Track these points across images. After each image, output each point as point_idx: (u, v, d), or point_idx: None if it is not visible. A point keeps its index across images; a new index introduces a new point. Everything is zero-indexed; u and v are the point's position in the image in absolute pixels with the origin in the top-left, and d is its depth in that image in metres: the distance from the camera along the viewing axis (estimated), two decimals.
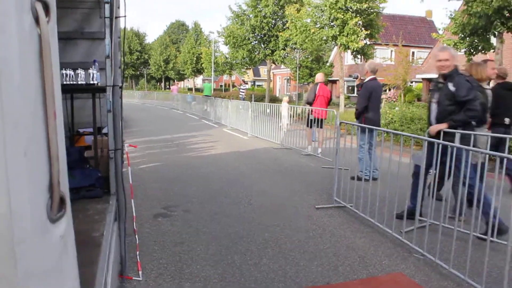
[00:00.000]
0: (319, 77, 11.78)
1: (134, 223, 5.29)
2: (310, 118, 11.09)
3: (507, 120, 7.11)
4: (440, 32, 19.05)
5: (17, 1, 0.75)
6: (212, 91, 35.78)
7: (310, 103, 11.26)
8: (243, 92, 26.20)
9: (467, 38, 15.50)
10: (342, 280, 4.04)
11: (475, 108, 5.13)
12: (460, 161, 4.33)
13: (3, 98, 0.72)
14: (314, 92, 11.31)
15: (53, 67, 0.87)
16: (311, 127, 11.29)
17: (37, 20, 0.83)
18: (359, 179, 6.70)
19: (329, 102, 11.50)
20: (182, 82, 77.68)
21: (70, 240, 0.98)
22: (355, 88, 11.21)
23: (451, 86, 5.21)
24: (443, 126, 5.21)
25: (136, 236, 4.87)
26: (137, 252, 4.43)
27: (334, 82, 40.14)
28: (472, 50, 15.84)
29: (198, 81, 73.38)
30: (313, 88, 11.70)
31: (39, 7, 0.83)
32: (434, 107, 5.46)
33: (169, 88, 68.25)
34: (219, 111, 20.86)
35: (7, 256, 0.75)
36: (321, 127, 11.16)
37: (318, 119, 11.01)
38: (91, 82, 4.20)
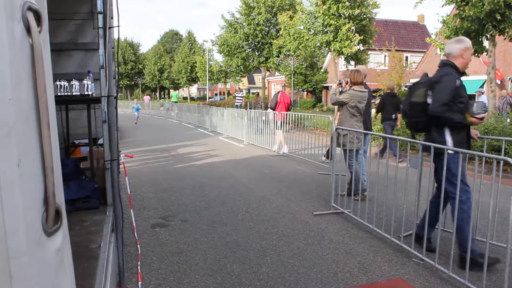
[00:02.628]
0: (278, 87, 13.97)
1: (135, 233, 5.28)
2: (277, 122, 12.82)
3: (393, 116, 11.16)
4: (433, 36, 19.14)
5: (7, 10, 0.74)
6: (191, 98, 42.62)
7: (273, 109, 13.15)
8: (240, 100, 26.09)
9: None
10: (342, 287, 4.01)
11: None
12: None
13: None
14: (276, 99, 13.15)
15: (46, 77, 0.85)
16: (281, 129, 12.88)
17: (28, 29, 0.81)
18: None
19: (289, 107, 13.33)
20: (178, 91, 77.74)
21: (67, 254, 0.96)
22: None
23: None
24: None
25: (138, 246, 4.87)
26: (138, 263, 4.42)
27: (328, 88, 40.27)
28: None
29: (193, 90, 73.51)
30: (275, 96, 13.44)
31: (30, 16, 0.81)
32: None
33: (164, 98, 68.49)
34: (214, 120, 20.85)
35: (2, 273, 0.73)
36: (281, 128, 12.75)
37: (280, 122, 12.69)
38: (86, 93, 4.18)
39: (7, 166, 0.73)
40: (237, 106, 24.17)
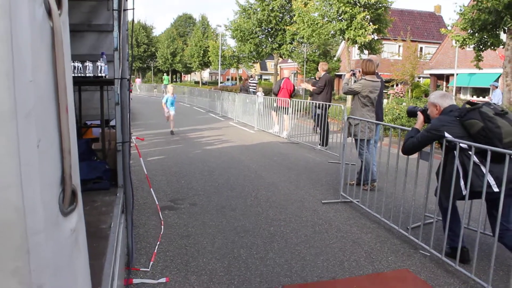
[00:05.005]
0: (285, 73, 15.51)
1: (160, 213, 5.38)
2: (276, 105, 13.57)
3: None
4: (449, 28, 18.87)
5: None
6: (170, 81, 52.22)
7: (276, 94, 13.52)
8: (254, 86, 25.69)
9: (476, 34, 15.37)
10: (348, 276, 4.04)
11: None
12: None
13: (16, 89, 0.71)
14: (279, 85, 13.58)
15: (65, 60, 0.86)
16: (276, 112, 13.67)
17: (49, 12, 0.82)
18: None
19: (291, 94, 13.57)
20: (189, 75, 77.63)
21: (81, 234, 0.98)
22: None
23: None
24: None
25: (162, 227, 5.02)
26: (158, 243, 4.57)
27: (341, 76, 39.99)
28: (481, 46, 15.71)
29: (205, 74, 73.49)
30: (279, 82, 13.94)
31: None
32: None
33: (176, 81, 68.64)
34: (225, 105, 20.84)
35: (20, 249, 0.75)
36: (286, 113, 13.14)
37: (283, 107, 13.13)
38: (99, 74, 4.20)
39: (26, 146, 0.75)
40: (251, 93, 23.74)
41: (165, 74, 58.15)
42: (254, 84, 25.82)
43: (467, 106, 4.22)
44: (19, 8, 0.71)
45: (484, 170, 3.91)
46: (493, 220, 4.00)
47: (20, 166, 0.73)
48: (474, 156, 3.98)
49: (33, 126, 0.76)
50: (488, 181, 3.86)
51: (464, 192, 4.08)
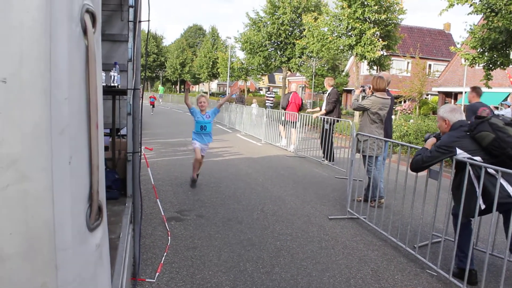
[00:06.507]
0: (293, 87, 14.21)
1: (166, 224, 5.38)
2: (283, 119, 13.54)
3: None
4: (458, 46, 18.86)
5: (68, 12, 0.76)
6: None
7: (284, 108, 13.50)
8: (271, 100, 25.31)
9: (486, 52, 15.34)
10: None
11: None
12: None
13: (52, 106, 0.72)
14: (287, 99, 13.54)
15: (97, 77, 0.88)
16: (284, 126, 13.60)
17: (84, 31, 0.84)
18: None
19: (300, 108, 13.52)
20: (197, 85, 77.97)
21: (105, 248, 0.99)
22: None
23: None
24: None
25: (169, 238, 5.01)
26: (164, 254, 4.57)
27: (349, 92, 40.05)
28: (491, 65, 15.67)
29: (213, 85, 73.85)
30: (287, 96, 13.83)
31: (87, 18, 0.83)
32: None
33: (183, 92, 68.96)
34: (233, 117, 20.89)
35: (49, 264, 0.75)
36: (294, 127, 13.04)
37: (291, 121, 13.08)
38: (112, 84, 4.23)
39: (59, 163, 0.76)
40: (268, 107, 22.44)
41: (160, 85, 59.89)
42: (272, 98, 25.54)
43: (475, 120, 4.22)
44: (58, 27, 0.73)
45: (501, 181, 3.89)
46: None
47: (52, 183, 0.74)
48: (490, 168, 3.96)
49: (67, 143, 0.77)
50: (508, 192, 3.85)
51: (483, 207, 4.04)
